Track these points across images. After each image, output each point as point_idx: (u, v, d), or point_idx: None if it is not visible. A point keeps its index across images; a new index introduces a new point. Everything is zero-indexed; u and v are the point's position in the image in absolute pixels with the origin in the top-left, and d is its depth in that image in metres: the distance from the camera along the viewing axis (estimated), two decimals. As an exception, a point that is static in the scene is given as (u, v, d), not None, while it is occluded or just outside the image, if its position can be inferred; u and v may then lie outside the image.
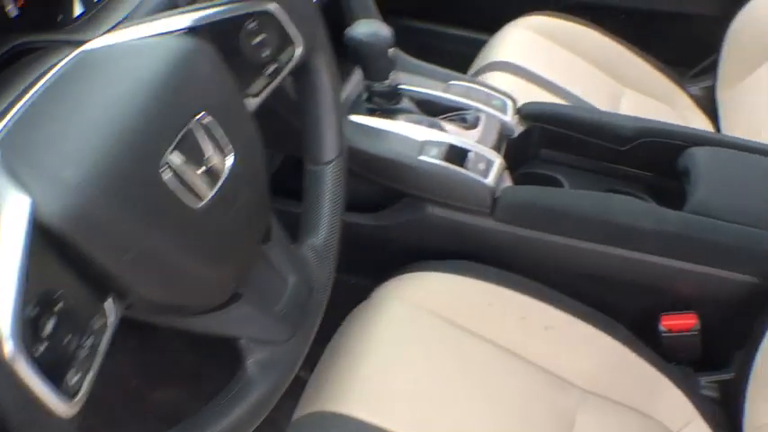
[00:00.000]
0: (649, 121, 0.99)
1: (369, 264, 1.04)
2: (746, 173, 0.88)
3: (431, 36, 1.67)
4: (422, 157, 0.87)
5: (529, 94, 1.20)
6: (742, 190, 0.86)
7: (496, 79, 1.22)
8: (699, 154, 0.90)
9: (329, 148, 0.65)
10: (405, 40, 1.62)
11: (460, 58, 1.39)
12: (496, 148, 0.93)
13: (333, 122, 0.64)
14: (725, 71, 1.33)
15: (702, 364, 0.95)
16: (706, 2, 1.45)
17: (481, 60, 1.31)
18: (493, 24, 1.43)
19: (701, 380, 0.94)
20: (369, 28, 0.85)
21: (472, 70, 1.30)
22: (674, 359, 0.95)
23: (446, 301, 0.88)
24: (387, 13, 1.65)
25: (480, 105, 0.95)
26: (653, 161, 0.98)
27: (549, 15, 1.39)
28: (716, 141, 0.94)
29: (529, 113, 1.00)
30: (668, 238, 0.82)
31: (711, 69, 1.39)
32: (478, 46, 1.40)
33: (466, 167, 0.87)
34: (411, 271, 0.91)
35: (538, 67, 1.27)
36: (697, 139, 0.94)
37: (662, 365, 0.90)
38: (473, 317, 0.87)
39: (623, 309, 0.94)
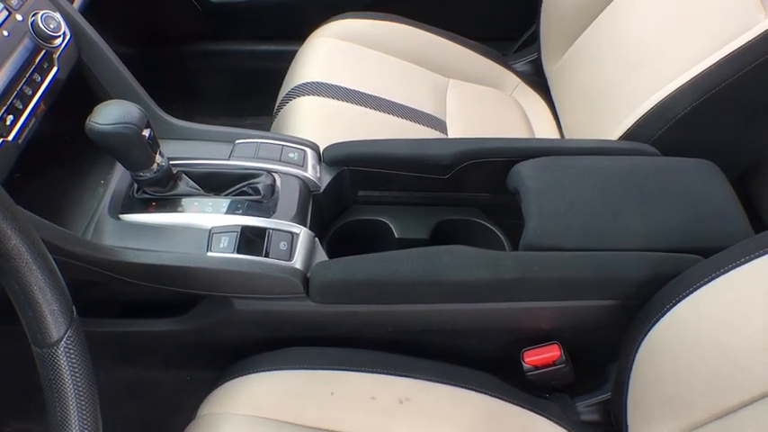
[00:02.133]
0: (468, 141, 0.88)
1: (197, 359, 0.91)
2: (577, 185, 0.79)
3: (231, 57, 1.52)
4: (211, 253, 0.73)
5: (343, 116, 1.08)
6: (576, 208, 0.77)
7: (304, 106, 1.10)
8: (525, 173, 0.81)
9: (50, 325, 0.50)
10: (204, 65, 1.51)
11: (270, 76, 1.26)
12: (302, 211, 0.80)
13: (45, 291, 0.49)
14: (546, 44, 1.25)
15: (579, 386, 0.88)
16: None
17: (287, 84, 1.18)
18: (298, 32, 1.30)
19: (579, 405, 0.87)
20: (109, 115, 0.69)
21: (281, 95, 1.17)
22: (549, 389, 0.87)
23: (283, 403, 0.76)
24: (172, 41, 1.50)
25: (273, 165, 0.82)
26: (482, 182, 0.89)
27: (354, 17, 1.26)
28: (540, 150, 0.85)
29: (334, 158, 0.87)
30: (510, 285, 0.73)
31: (534, 41, 1.31)
32: (288, 58, 1.26)
33: (267, 250, 0.73)
34: (236, 374, 0.78)
35: (351, 80, 1.14)
36: (521, 152, 0.85)
37: (535, 404, 0.82)
38: (317, 411, 0.76)
39: (484, 352, 0.85)
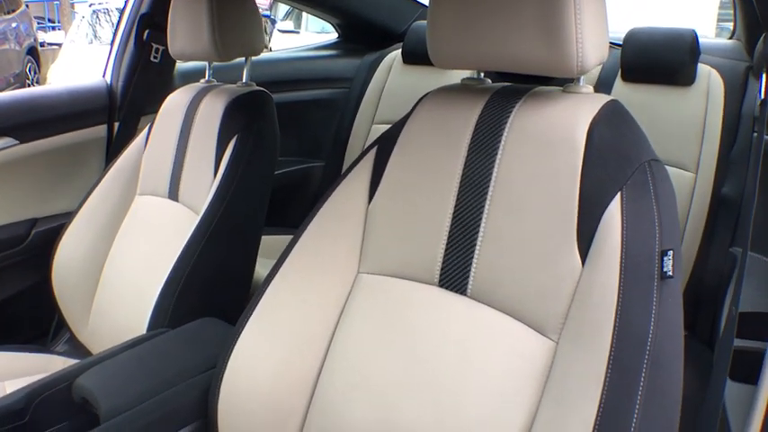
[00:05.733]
0: (34, 383, 1.09)
1: None
2: (125, 368, 1.09)
3: None
4: None
5: None
6: (132, 379, 1.06)
7: None
8: (83, 380, 1.06)
9: None
10: None
11: None
12: None
13: None
14: (71, 320, 1.57)
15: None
16: (20, 280, 1.65)
17: None
18: None
19: None
20: None
21: None
22: None
23: None
24: None
25: None
26: (59, 413, 1.09)
27: None
28: (90, 364, 1.12)
29: None
30: None
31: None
32: None
33: None
34: None
35: None
36: (77, 371, 1.10)
37: None
38: None
39: None
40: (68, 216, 1.61)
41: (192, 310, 1.29)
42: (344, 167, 2.23)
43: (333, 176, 2.23)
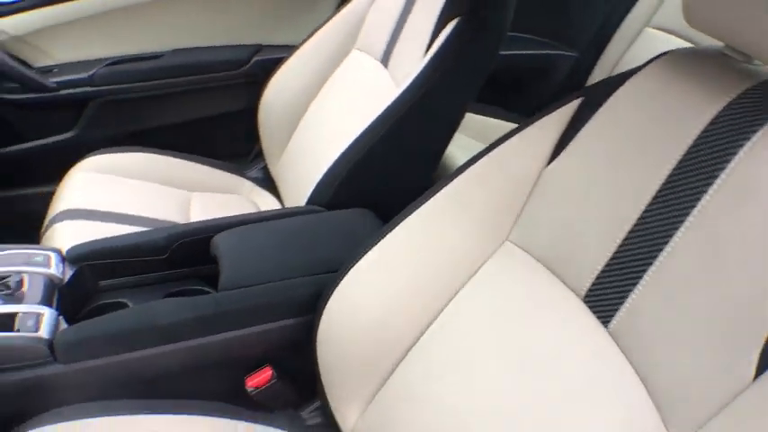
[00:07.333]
0: (177, 226, 1.15)
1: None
2: (257, 241, 1.08)
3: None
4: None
5: (99, 231, 1.30)
6: (255, 256, 1.05)
7: (64, 229, 1.30)
8: (219, 239, 1.08)
9: None
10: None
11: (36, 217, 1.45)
12: (47, 299, 1.00)
13: None
14: (267, 152, 1.59)
15: (304, 399, 1.11)
16: (234, 101, 1.73)
17: (50, 214, 1.38)
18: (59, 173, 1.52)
19: (302, 414, 1.10)
20: None
21: (45, 227, 1.36)
22: (278, 407, 1.10)
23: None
24: None
25: (20, 267, 1.02)
26: (195, 257, 1.14)
27: (110, 153, 1.52)
28: (234, 223, 1.13)
29: (75, 256, 1.09)
30: (208, 319, 0.96)
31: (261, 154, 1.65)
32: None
33: (16, 330, 0.92)
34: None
35: (104, 204, 1.38)
36: (218, 228, 1.12)
37: (264, 418, 1.03)
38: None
39: (220, 385, 1.06)
40: (290, 50, 1.59)
41: (354, 194, 1.23)
42: (600, 68, 1.92)
43: (582, 74, 1.93)
